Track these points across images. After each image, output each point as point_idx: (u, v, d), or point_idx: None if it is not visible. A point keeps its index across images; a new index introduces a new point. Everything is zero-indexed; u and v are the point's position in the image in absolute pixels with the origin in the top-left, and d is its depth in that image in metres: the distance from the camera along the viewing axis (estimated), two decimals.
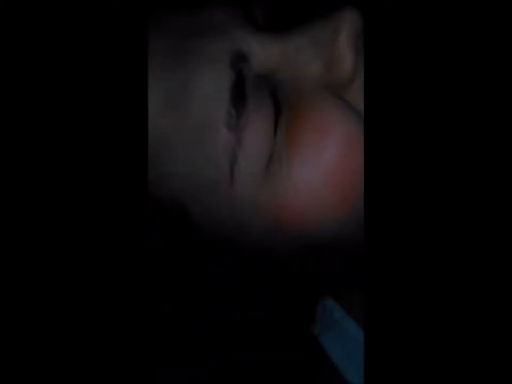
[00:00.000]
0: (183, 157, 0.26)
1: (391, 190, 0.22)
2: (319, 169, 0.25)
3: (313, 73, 0.26)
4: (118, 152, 0.23)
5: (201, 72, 0.25)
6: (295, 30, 0.26)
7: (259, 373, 0.32)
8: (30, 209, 0.22)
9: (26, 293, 0.22)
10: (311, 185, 0.25)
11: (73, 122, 0.23)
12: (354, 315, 0.34)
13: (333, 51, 0.25)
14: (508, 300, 0.20)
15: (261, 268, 0.30)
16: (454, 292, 0.21)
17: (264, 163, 0.25)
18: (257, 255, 0.29)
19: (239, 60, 0.25)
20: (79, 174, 0.23)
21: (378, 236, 0.22)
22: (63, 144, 0.23)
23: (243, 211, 0.27)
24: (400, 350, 0.21)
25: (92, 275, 0.22)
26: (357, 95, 0.26)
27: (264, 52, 0.26)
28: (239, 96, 0.24)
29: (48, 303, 0.22)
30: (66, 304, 0.22)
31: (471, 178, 0.21)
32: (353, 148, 0.25)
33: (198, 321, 0.31)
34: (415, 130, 0.21)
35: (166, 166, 0.26)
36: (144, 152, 0.24)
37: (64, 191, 0.23)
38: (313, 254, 0.29)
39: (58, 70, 0.23)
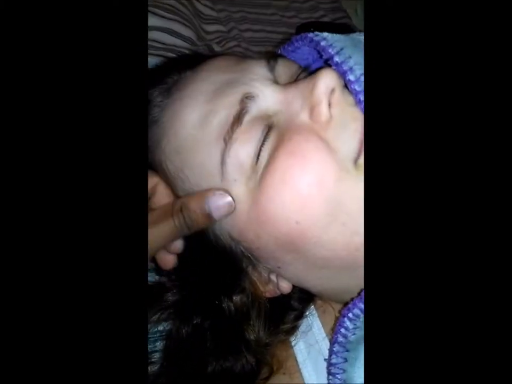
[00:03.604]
0: (196, 156, 0.38)
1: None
2: (286, 189, 0.34)
3: (301, 119, 0.36)
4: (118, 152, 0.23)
5: (222, 103, 0.37)
6: (292, 86, 0.37)
7: None
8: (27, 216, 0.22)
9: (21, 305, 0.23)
10: (276, 201, 0.35)
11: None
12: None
13: (312, 100, 0.35)
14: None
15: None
16: (452, 309, 0.21)
17: (247, 170, 0.36)
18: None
19: (246, 99, 0.37)
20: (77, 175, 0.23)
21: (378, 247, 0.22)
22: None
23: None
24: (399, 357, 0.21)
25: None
26: (336, 132, 0.35)
27: (269, 98, 0.37)
28: (237, 122, 0.36)
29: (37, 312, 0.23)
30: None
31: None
32: (323, 185, 0.34)
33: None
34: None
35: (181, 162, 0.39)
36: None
37: (64, 194, 0.23)
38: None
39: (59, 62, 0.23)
